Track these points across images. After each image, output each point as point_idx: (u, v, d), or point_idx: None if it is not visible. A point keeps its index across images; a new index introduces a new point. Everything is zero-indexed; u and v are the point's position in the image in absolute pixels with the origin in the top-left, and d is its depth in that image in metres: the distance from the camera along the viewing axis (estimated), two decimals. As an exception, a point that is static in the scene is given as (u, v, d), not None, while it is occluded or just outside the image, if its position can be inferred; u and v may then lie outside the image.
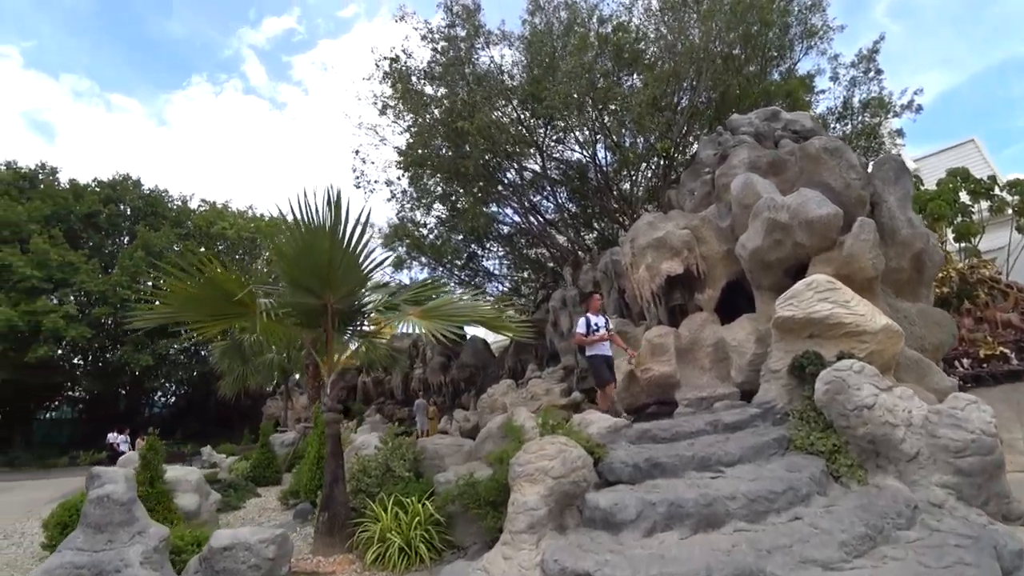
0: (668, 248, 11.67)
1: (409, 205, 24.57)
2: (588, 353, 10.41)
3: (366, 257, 8.34)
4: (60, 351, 29.31)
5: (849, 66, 22.94)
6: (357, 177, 21.48)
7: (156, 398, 37.62)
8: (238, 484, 14.34)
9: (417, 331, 7.35)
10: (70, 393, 34.88)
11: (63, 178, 32.94)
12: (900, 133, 23.48)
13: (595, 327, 10.32)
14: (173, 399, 37.81)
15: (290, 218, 7.71)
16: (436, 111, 20.61)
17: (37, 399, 31.76)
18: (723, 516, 5.44)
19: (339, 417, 8.29)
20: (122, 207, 31.76)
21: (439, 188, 22.64)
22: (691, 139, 21.73)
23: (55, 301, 27.89)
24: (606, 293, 15.20)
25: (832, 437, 6.92)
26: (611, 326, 10.95)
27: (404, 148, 21.00)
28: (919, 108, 22.71)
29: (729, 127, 15.07)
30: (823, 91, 22.81)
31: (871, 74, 22.69)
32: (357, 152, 22.51)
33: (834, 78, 22.94)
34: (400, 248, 25.86)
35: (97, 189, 32.75)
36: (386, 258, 8.87)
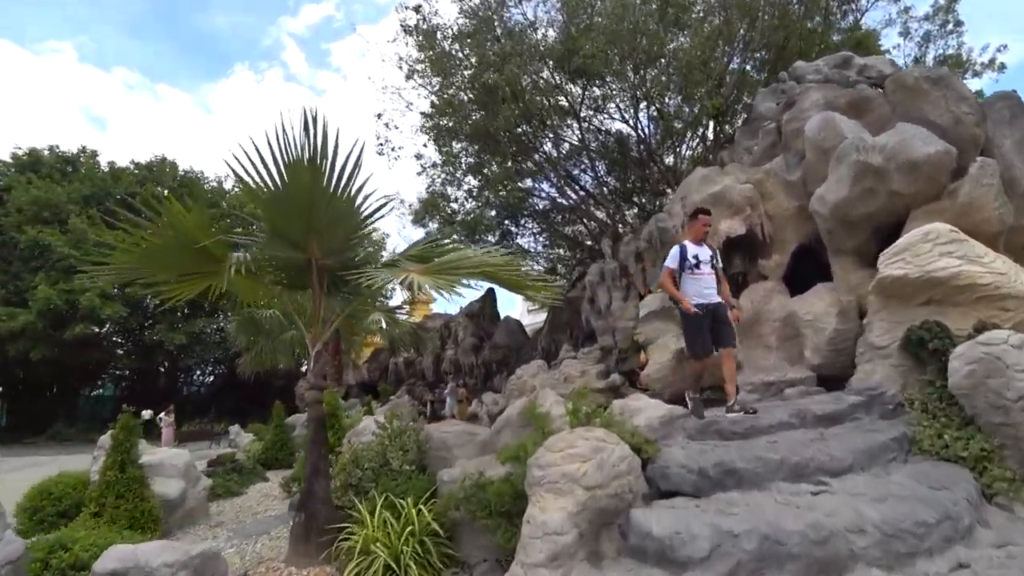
0: (727, 205, 9.53)
1: (440, 179, 22.81)
2: (685, 303, 5.97)
3: (360, 202, 6.53)
4: (98, 329, 28.68)
5: (923, 19, 20.10)
6: (380, 144, 19.72)
7: (195, 376, 37.07)
8: (246, 468, 12.86)
9: (420, 290, 5.41)
10: (115, 371, 34.50)
11: (103, 161, 32.36)
12: (980, 95, 20.47)
13: (692, 261, 6.19)
14: (211, 377, 37.24)
15: (267, 153, 5.93)
16: (465, 73, 18.70)
17: (79, 377, 31.38)
18: (846, 559, 3.44)
19: (321, 396, 6.54)
20: (159, 188, 30.88)
21: (469, 158, 20.73)
22: (739, 107, 19.28)
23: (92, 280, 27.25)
24: (650, 265, 13.08)
25: (978, 438, 4.78)
26: (719, 263, 6.57)
27: (430, 111, 19.13)
28: (1002, 67, 19.76)
29: (793, 75, 12.74)
30: (893, 48, 20.02)
31: (948, 27, 19.79)
32: (380, 116, 20.70)
33: (904, 33, 20.10)
34: (431, 224, 24.16)
35: (135, 171, 31.99)
36: (384, 204, 6.65)
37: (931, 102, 8.67)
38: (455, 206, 23.24)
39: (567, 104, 20.00)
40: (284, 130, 5.79)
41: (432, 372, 29.31)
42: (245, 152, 5.87)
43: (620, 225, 18.59)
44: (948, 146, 7.75)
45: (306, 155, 5.90)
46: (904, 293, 6.37)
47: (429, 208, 22.85)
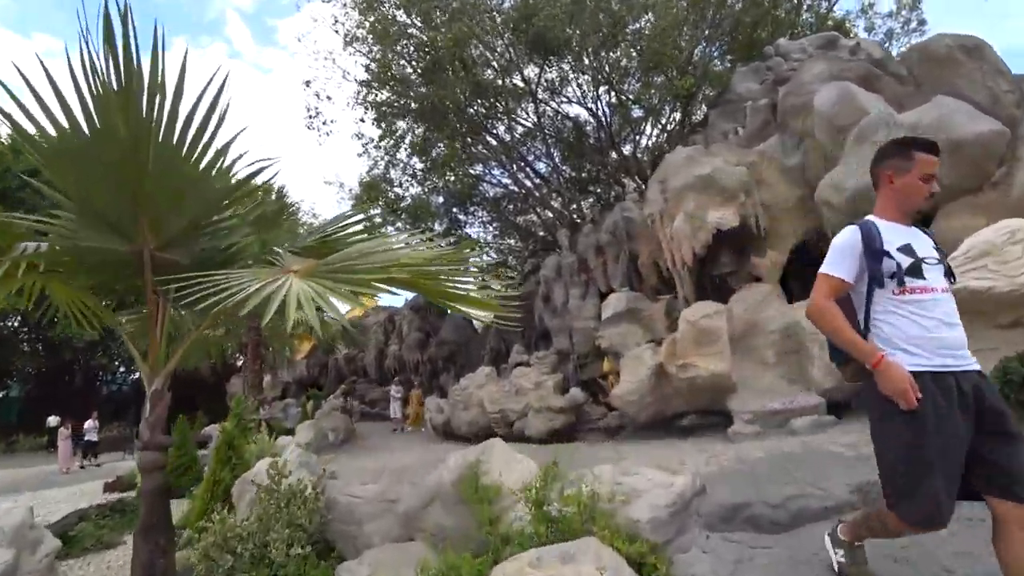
0: (718, 191, 7.64)
1: (383, 161, 20.28)
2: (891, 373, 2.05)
3: (222, 166, 4.23)
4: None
5: (886, 16, 18.98)
6: (310, 116, 16.99)
7: (117, 374, 32.88)
8: (129, 504, 10.19)
9: (306, 303, 3.02)
10: (25, 370, 30.14)
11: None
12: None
13: (902, 261, 2.12)
14: (136, 375, 33.19)
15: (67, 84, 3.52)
16: (409, 43, 16.28)
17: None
18: None
19: (160, 459, 4.23)
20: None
21: (415, 137, 18.30)
22: (705, 93, 17.58)
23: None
24: (612, 260, 11.21)
25: None
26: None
27: (368, 79, 16.60)
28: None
29: (779, 52, 11.01)
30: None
31: (912, 25, 18.70)
32: (308, 84, 17.97)
33: (869, 28, 18.97)
34: (374, 211, 21.60)
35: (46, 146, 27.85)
36: (261, 169, 4.20)
37: (964, 75, 6.99)
38: (399, 191, 20.78)
39: (522, 84, 17.87)
40: (90, 48, 3.42)
41: (375, 369, 26.80)
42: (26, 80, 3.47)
43: (576, 215, 16.62)
44: (1000, 125, 6.08)
45: (125, 81, 3.53)
46: (983, 311, 4.60)
47: (370, 193, 20.31)
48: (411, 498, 4.60)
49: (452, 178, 19.68)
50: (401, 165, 20.51)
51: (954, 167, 6.20)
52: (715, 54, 18.12)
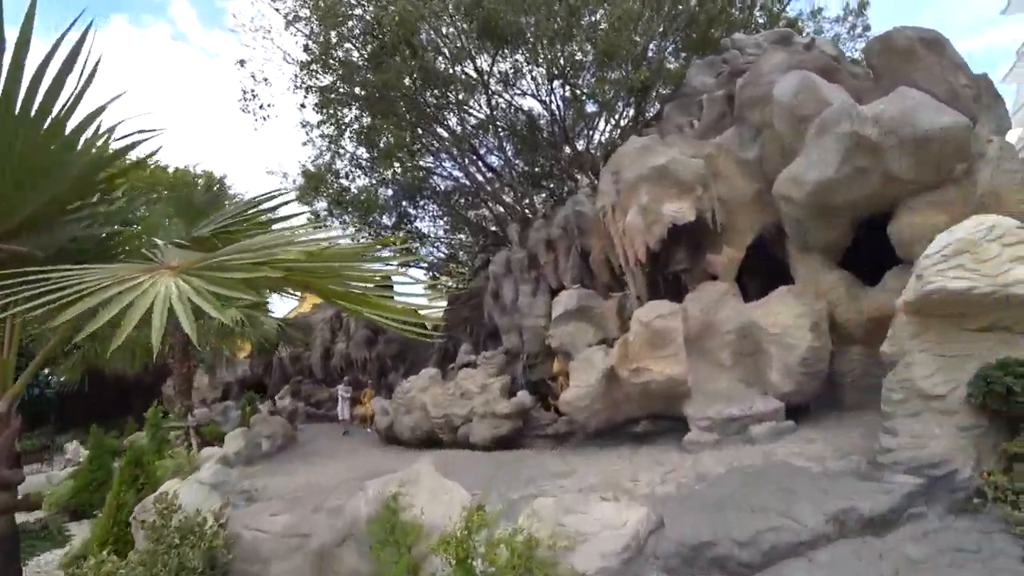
0: (674, 183, 7.11)
1: (328, 150, 19.13)
2: None
3: (96, 140, 3.40)
4: None
5: (833, 21, 19.11)
6: (245, 98, 15.65)
7: (39, 376, 29.92)
8: (32, 527, 9.01)
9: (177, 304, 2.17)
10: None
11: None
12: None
13: None
14: (62, 377, 30.21)
15: None
16: (356, 26, 15.26)
17: None
18: None
19: (8, 500, 3.32)
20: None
21: (362, 126, 17.25)
22: (658, 90, 17.22)
23: None
24: (563, 255, 10.62)
25: None
26: None
27: (309, 59, 15.44)
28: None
29: (735, 45, 10.63)
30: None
31: (857, 31, 18.87)
32: (244, 64, 16.56)
33: (818, 32, 19.05)
34: (319, 203, 20.45)
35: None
36: (136, 143, 3.33)
37: (924, 69, 6.66)
38: (344, 182, 19.67)
39: (475, 74, 17.10)
40: None
41: (321, 368, 25.51)
42: None
43: (528, 210, 15.99)
44: (965, 118, 5.73)
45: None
46: (959, 314, 4.17)
47: (314, 184, 19.14)
48: (325, 532, 3.85)
49: (400, 169, 18.73)
50: (347, 155, 19.44)
51: (918, 161, 5.83)
52: (669, 50, 17.83)
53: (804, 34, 17.49)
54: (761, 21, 17.51)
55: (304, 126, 17.98)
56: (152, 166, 25.77)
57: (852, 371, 6.81)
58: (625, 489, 4.70)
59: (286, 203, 5.90)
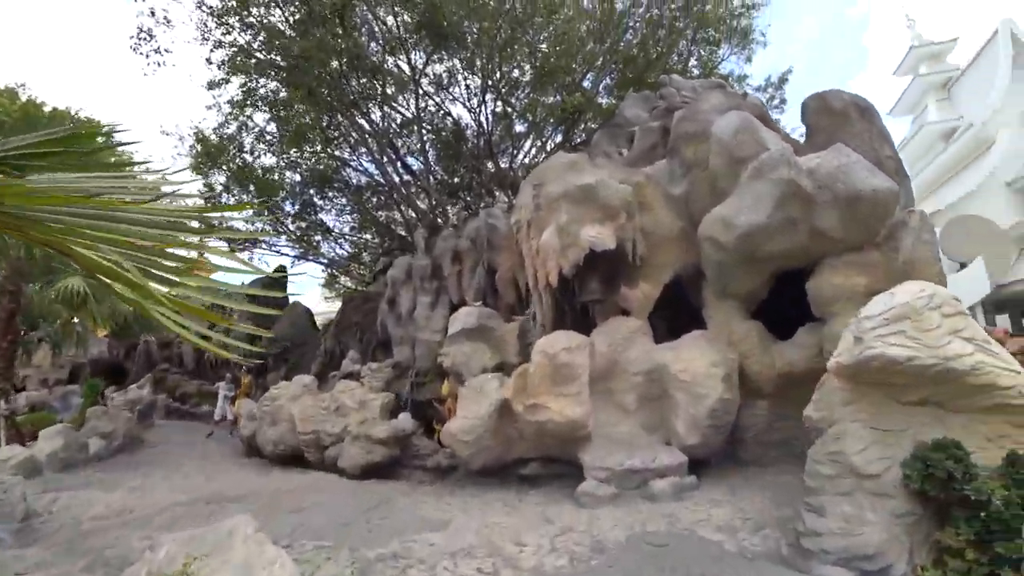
0: (599, 205, 6.43)
1: (235, 121, 17.09)
2: None
3: None
4: None
5: (756, 89, 19.99)
6: (140, 39, 13.29)
7: None
8: None
9: None
10: None
11: None
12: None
13: None
14: None
15: None
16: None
17: None
18: None
19: None
20: None
21: (272, 94, 15.46)
22: (588, 120, 16.97)
23: None
24: (469, 270, 9.72)
25: None
26: None
27: (223, 10, 13.57)
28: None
29: (673, 84, 10.37)
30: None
31: (775, 102, 19.80)
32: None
33: (743, 96, 19.85)
34: (216, 176, 18.25)
35: None
36: None
37: (855, 134, 6.48)
38: (248, 157, 17.69)
39: (408, 69, 16.00)
40: None
41: (193, 358, 22.76)
42: None
43: (440, 219, 14.98)
44: (894, 184, 5.51)
45: None
46: (895, 384, 3.67)
47: (213, 154, 16.99)
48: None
49: (311, 153, 17.18)
50: (256, 129, 17.50)
51: (846, 220, 5.52)
52: (604, 83, 17.74)
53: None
54: (695, 72, 17.81)
55: (212, 87, 15.91)
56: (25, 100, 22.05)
57: (756, 425, 6.38)
58: (507, 557, 3.78)
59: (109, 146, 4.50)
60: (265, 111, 16.25)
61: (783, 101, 19.69)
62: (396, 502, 5.76)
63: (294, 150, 17.26)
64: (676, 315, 7.90)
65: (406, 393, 9.76)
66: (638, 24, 16.12)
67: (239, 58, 14.09)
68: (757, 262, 5.97)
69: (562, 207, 6.42)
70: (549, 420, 5.53)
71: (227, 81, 14.33)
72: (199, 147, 17.33)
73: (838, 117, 6.58)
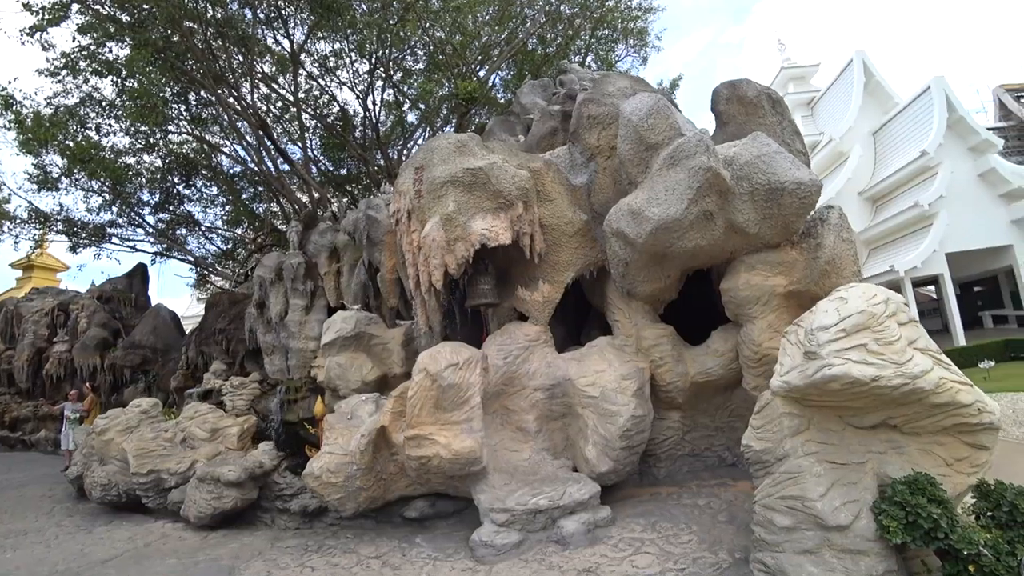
0: (492, 193, 5.33)
1: (76, 89, 14.09)
2: None
3: None
4: None
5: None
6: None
7: None
8: None
9: None
10: None
11: None
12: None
13: None
14: None
15: None
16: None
17: None
18: None
19: None
20: None
21: (117, 59, 12.79)
22: (477, 118, 15.93)
23: None
24: (348, 269, 8.29)
25: None
26: None
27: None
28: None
29: (574, 72, 9.59)
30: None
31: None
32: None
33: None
34: (49, 156, 15.14)
35: None
36: None
37: (767, 126, 5.88)
38: (93, 135, 14.74)
39: (287, 45, 14.02)
40: None
41: (28, 374, 18.78)
42: None
43: (322, 210, 13.26)
44: (818, 178, 4.92)
45: None
46: (851, 407, 2.91)
47: (48, 129, 13.93)
48: None
49: (173, 134, 14.69)
50: (104, 104, 14.59)
51: (766, 215, 4.85)
52: (500, 78, 16.80)
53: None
54: (593, 67, 17.32)
55: (46, 48, 12.92)
56: None
57: (668, 440, 5.62)
58: None
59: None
60: (106, 75, 13.41)
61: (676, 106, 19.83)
62: (246, 567, 4.35)
63: (152, 128, 14.62)
64: (573, 319, 7.07)
65: (275, 413, 8.15)
66: (536, 14, 15.32)
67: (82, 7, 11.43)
68: (668, 260, 5.18)
69: (449, 195, 5.25)
70: (435, 456, 4.36)
71: (43, 29, 11.56)
72: (34, 122, 14.21)
73: (751, 106, 5.96)
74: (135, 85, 12.44)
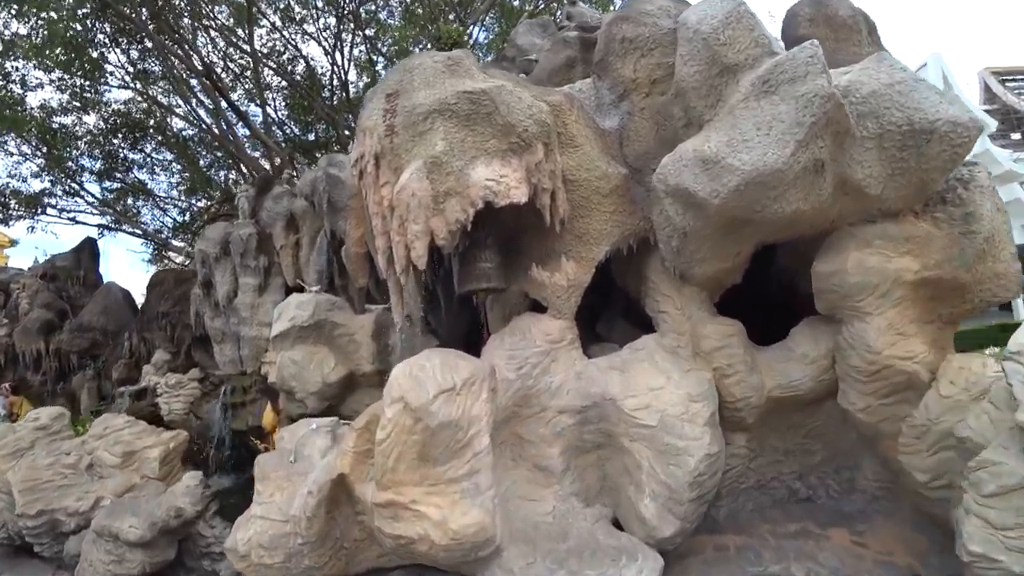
0: (500, 127, 3.51)
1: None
2: None
3: None
4: None
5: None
6: None
7: None
8: None
9: None
10: None
11: None
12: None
13: None
14: None
15: None
16: None
17: None
18: None
19: None
20: None
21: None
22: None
23: None
24: (308, 241, 6.42)
25: None
26: None
27: None
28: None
29: (578, 4, 7.82)
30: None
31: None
32: None
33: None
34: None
35: None
36: None
37: (860, 57, 4.24)
38: (18, 90, 12.32)
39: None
40: None
41: (-42, 360, 16.22)
42: None
43: (287, 174, 11.24)
44: (977, 117, 3.31)
45: None
46: None
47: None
48: None
49: (97, 88, 12.33)
50: (32, 53, 12.10)
51: (898, 169, 3.22)
52: (482, 31, 14.78)
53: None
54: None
55: None
56: None
57: (731, 470, 3.99)
58: None
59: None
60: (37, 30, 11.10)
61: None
62: None
63: (86, 82, 12.29)
64: (588, 303, 5.35)
65: (217, 422, 6.32)
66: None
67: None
68: (749, 229, 3.51)
69: (437, 129, 3.42)
70: (422, 539, 2.67)
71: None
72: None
73: (843, 30, 4.24)
74: (53, 16, 10.10)
